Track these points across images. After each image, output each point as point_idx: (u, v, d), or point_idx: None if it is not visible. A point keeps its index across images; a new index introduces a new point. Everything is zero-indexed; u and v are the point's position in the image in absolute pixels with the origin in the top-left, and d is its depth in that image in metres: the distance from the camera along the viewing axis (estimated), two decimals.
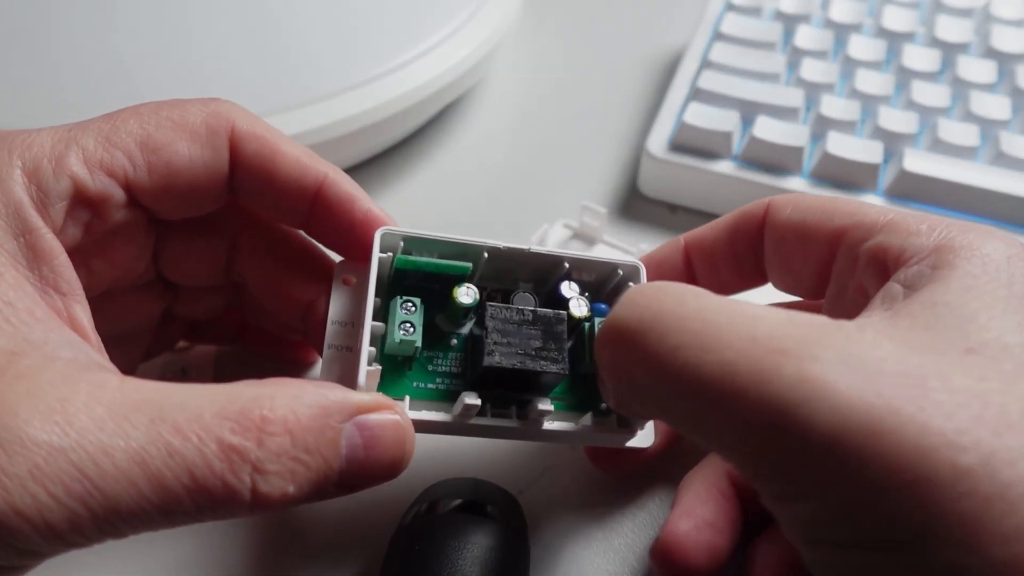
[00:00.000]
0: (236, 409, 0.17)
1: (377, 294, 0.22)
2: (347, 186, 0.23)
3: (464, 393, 0.21)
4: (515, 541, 0.23)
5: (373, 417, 0.19)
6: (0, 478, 0.15)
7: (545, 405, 0.22)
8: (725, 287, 0.26)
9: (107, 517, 0.15)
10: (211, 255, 0.25)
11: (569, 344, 0.22)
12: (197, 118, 0.21)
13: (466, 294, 0.22)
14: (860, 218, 0.22)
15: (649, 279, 0.24)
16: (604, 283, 0.25)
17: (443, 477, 0.25)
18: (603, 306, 0.24)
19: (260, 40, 0.37)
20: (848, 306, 0.22)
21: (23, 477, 0.15)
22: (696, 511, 0.23)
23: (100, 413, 0.16)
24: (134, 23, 0.37)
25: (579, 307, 0.23)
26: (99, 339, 0.20)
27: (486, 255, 0.23)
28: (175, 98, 0.22)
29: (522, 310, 0.22)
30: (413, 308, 0.22)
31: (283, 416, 0.17)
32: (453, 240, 0.23)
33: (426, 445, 0.26)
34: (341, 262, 0.24)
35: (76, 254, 0.20)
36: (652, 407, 0.19)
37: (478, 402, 0.21)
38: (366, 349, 0.21)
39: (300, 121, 0.34)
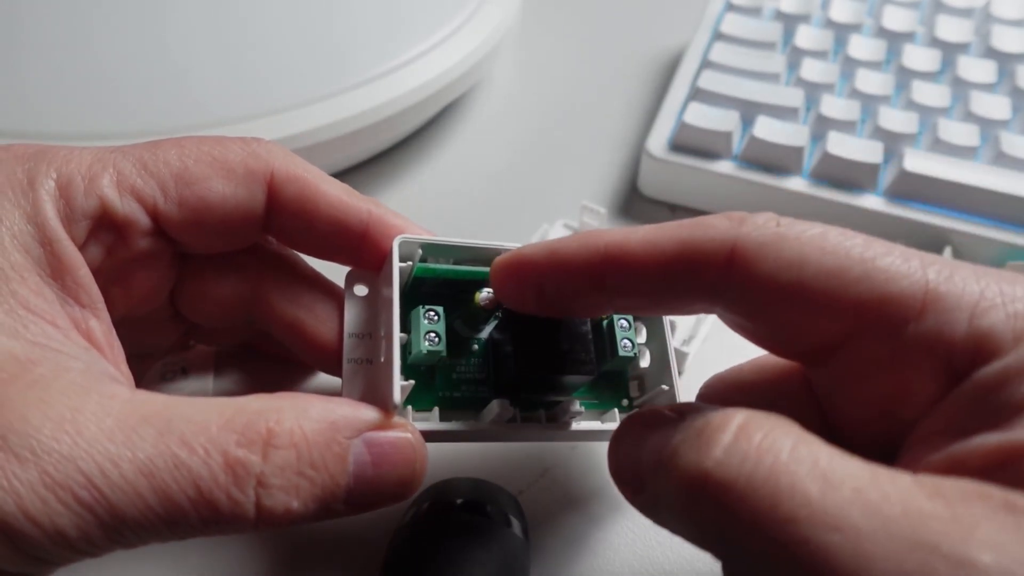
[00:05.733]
0: (243, 422, 0.17)
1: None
2: (392, 219, 0.23)
3: (496, 401, 0.21)
4: (515, 541, 0.23)
5: (383, 434, 0.19)
6: (13, 483, 0.15)
7: (576, 407, 0.22)
8: (638, 308, 0.22)
9: (114, 526, 0.15)
10: (232, 299, 0.24)
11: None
12: (236, 157, 0.21)
13: (487, 299, 0.22)
14: (889, 291, 0.17)
15: (544, 276, 0.20)
16: None
17: (443, 477, 0.25)
18: None
19: (261, 40, 0.37)
20: (876, 401, 0.18)
21: (34, 483, 0.15)
22: None
23: (109, 424, 0.16)
24: (137, 21, 0.37)
25: None
26: (120, 351, 0.20)
27: None
28: (218, 135, 0.22)
29: None
30: (436, 317, 0.21)
31: (289, 429, 0.17)
32: (470, 245, 0.23)
33: (427, 445, 0.26)
34: (351, 271, 0.24)
35: (97, 278, 0.20)
36: (743, 559, 0.15)
37: (511, 411, 0.21)
38: (397, 364, 0.20)
39: (301, 121, 0.34)
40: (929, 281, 0.17)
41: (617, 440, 0.19)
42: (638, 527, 0.27)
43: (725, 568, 0.16)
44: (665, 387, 0.22)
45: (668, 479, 0.16)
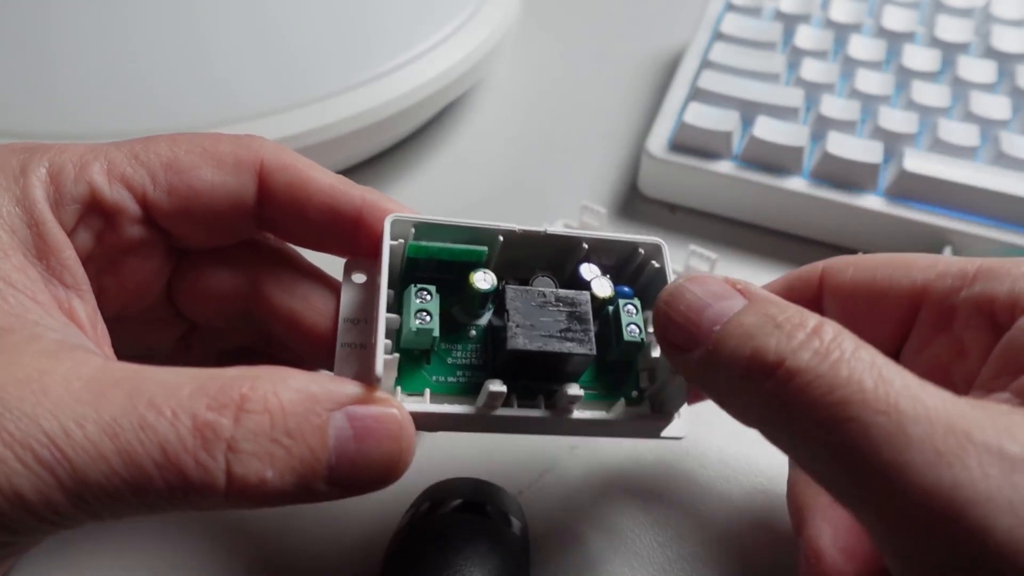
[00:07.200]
0: (216, 387, 0.16)
1: (390, 286, 0.21)
2: (387, 204, 0.23)
3: (488, 381, 0.20)
4: (515, 541, 0.23)
5: (366, 408, 0.18)
6: None
7: (574, 390, 0.21)
8: None
9: (77, 490, 0.15)
10: (229, 293, 0.24)
11: (595, 329, 0.21)
12: (226, 148, 0.22)
13: (483, 279, 0.21)
14: (945, 268, 0.21)
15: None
16: (624, 265, 0.24)
17: (443, 477, 0.25)
18: (626, 288, 0.23)
19: (261, 39, 0.37)
20: (933, 361, 0.21)
21: None
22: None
23: (77, 386, 0.15)
24: (138, 20, 0.37)
25: (602, 287, 0.22)
26: (104, 334, 0.20)
27: (501, 239, 0.22)
28: (213, 132, 0.22)
29: (543, 292, 0.21)
30: (428, 296, 0.21)
31: (263, 395, 0.16)
32: (466, 225, 0.22)
33: (427, 445, 0.26)
34: (349, 260, 0.24)
35: (88, 266, 0.20)
36: (790, 445, 0.18)
37: (503, 389, 0.20)
38: (382, 337, 0.19)
39: (301, 121, 0.34)
40: (979, 261, 0.20)
41: (673, 298, 0.20)
42: (638, 527, 0.27)
43: (767, 437, 0.18)
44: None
45: (740, 355, 0.18)
